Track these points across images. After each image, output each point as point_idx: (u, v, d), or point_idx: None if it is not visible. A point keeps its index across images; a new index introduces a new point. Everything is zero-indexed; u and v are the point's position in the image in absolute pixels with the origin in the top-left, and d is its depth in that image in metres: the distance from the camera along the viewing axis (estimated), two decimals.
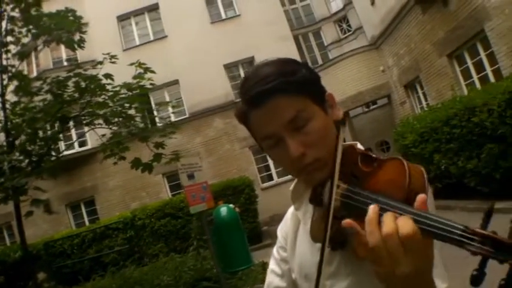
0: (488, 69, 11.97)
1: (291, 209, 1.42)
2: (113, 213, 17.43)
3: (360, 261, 1.02)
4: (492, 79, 11.60)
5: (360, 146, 1.24)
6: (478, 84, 12.32)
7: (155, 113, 12.90)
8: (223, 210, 10.34)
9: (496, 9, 10.57)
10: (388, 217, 0.84)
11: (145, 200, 18.56)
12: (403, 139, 12.29)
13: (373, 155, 1.08)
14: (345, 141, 1.15)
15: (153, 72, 8.19)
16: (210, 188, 8.83)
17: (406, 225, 0.80)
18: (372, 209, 0.88)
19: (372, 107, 22.18)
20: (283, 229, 1.45)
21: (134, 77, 8.06)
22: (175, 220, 14.24)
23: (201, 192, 8.23)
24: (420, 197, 0.85)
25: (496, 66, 11.39)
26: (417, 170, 0.96)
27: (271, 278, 1.43)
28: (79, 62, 11.02)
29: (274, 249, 1.46)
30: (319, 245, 1.11)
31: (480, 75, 12.47)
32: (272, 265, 1.44)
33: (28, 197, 6.86)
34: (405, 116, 15.73)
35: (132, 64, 7.97)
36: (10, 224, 18.49)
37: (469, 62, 12.86)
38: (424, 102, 16.56)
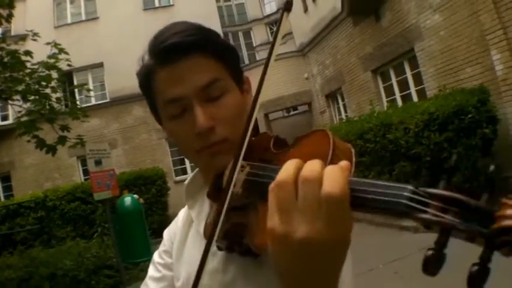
0: (413, 89, 12.18)
1: (184, 209, 1.22)
2: (27, 191, 16.95)
3: (260, 269, 0.88)
4: (415, 99, 11.81)
5: None
6: (399, 102, 12.56)
7: (76, 94, 12.74)
8: (127, 200, 10.36)
9: (430, 30, 10.73)
10: (314, 162, 0.61)
11: (58, 181, 18.22)
12: None
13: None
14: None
15: (66, 53, 8.16)
16: (122, 176, 8.79)
17: (335, 176, 0.57)
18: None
19: (292, 113, 22.47)
20: (171, 230, 1.23)
21: (49, 57, 8.06)
22: (85, 205, 13.93)
23: (107, 179, 8.24)
24: (344, 162, 0.61)
25: (421, 86, 11.59)
26: (345, 145, 0.75)
27: (151, 286, 1.17)
28: (12, 35, 10.88)
29: (156, 254, 1.23)
30: (214, 249, 0.92)
31: (403, 93, 12.71)
32: (151, 271, 1.21)
33: None
34: (323, 125, 15.90)
35: (48, 44, 8.02)
36: None
37: (394, 80, 13.08)
38: (343, 114, 16.82)
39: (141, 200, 10.83)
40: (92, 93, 16.30)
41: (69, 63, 8.27)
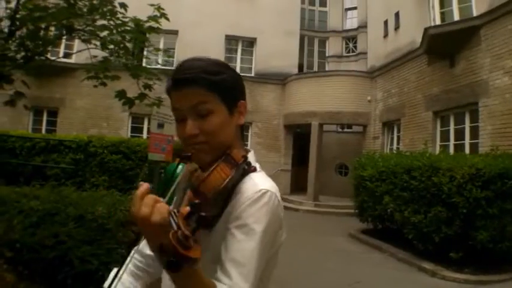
0: (467, 140, 12.22)
1: None
2: (71, 132, 17.23)
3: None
4: (467, 150, 11.85)
5: (251, 153, 1.53)
6: (451, 149, 12.61)
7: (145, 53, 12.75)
8: (178, 168, 10.20)
9: (498, 90, 10.79)
10: (146, 200, 1.16)
11: (104, 130, 18.59)
12: (362, 170, 12.44)
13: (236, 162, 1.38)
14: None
15: (167, 19, 8.21)
16: (176, 145, 8.96)
17: (155, 208, 1.13)
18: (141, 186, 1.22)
19: (346, 130, 22.53)
20: None
21: (149, 17, 8.02)
22: (126, 160, 13.98)
23: (164, 143, 8.40)
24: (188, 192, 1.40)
25: (476, 140, 11.61)
26: (213, 183, 1.29)
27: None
28: None
29: None
30: None
31: (457, 142, 12.75)
32: None
33: (10, 88, 6.87)
34: (373, 150, 16.01)
35: (152, 5, 8.00)
36: None
37: (452, 126, 13.13)
38: (395, 145, 16.94)
39: None
40: (160, 57, 16.42)
41: (160, 26, 8.24)
